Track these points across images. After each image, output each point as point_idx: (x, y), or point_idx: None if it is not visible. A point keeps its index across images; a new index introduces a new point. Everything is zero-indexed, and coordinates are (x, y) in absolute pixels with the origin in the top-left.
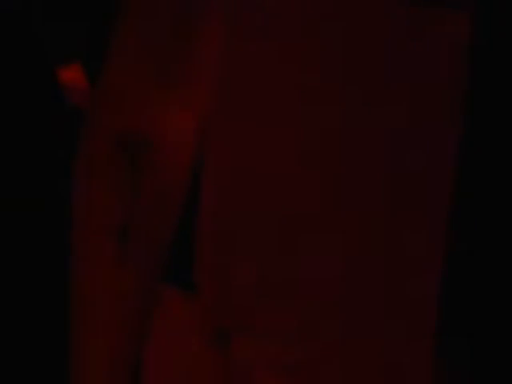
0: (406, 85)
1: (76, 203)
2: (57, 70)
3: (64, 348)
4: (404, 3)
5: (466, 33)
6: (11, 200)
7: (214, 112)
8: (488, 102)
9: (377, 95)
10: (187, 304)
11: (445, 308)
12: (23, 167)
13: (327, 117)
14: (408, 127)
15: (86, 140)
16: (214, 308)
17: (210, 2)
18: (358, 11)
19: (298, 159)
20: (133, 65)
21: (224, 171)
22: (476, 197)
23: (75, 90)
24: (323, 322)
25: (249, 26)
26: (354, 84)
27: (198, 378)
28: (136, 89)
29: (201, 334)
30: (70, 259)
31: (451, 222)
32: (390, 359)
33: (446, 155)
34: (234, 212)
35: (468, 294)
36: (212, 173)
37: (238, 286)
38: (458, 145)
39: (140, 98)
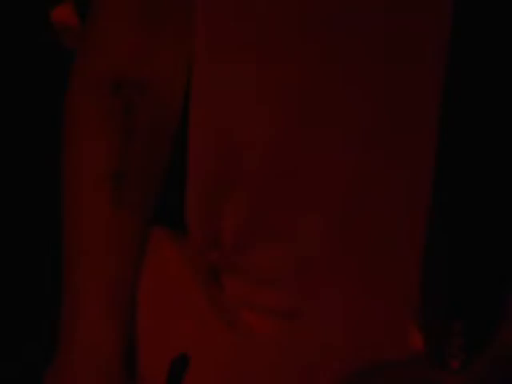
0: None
1: (67, 152)
2: (49, 10)
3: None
4: None
5: None
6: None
7: (201, 50)
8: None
9: None
10: (178, 244)
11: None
12: (17, 110)
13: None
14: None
15: (76, 85)
16: (205, 248)
17: None
18: None
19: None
20: (122, 6)
21: (210, 111)
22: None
23: (67, 30)
24: (316, 265)
25: None
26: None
27: (190, 313)
28: (125, 31)
29: (192, 274)
30: (61, 210)
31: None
32: (390, 295)
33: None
34: (221, 151)
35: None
36: (198, 113)
37: (228, 226)
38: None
39: (130, 40)
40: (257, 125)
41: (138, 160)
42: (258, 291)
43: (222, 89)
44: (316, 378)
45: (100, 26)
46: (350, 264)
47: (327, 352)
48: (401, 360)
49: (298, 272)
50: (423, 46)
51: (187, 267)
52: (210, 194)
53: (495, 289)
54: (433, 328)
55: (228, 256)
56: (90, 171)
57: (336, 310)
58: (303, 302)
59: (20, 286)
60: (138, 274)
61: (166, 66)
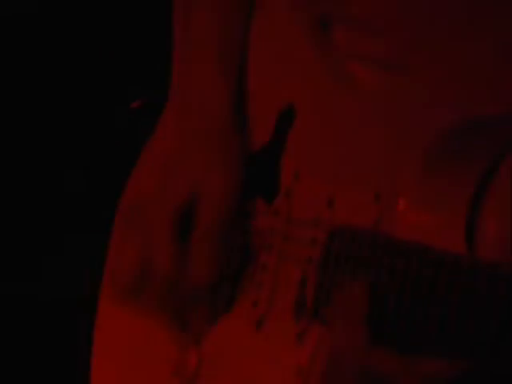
0: None
1: None
2: None
3: None
4: None
5: None
6: None
7: None
8: None
9: None
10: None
11: None
12: None
13: None
14: None
15: None
16: None
17: None
18: None
19: None
20: None
21: None
22: None
23: None
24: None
25: None
26: None
27: (299, 66)
28: None
29: (301, 27)
30: None
31: None
32: None
33: None
34: None
35: None
36: None
37: None
38: None
39: None
40: None
41: None
42: (367, 41)
43: None
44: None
45: None
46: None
47: (431, 106)
48: (505, 118)
49: (405, 23)
50: None
51: (296, 22)
52: None
53: None
54: None
55: (338, 4)
56: None
57: (443, 66)
58: (411, 54)
59: None
60: (247, 32)
61: None
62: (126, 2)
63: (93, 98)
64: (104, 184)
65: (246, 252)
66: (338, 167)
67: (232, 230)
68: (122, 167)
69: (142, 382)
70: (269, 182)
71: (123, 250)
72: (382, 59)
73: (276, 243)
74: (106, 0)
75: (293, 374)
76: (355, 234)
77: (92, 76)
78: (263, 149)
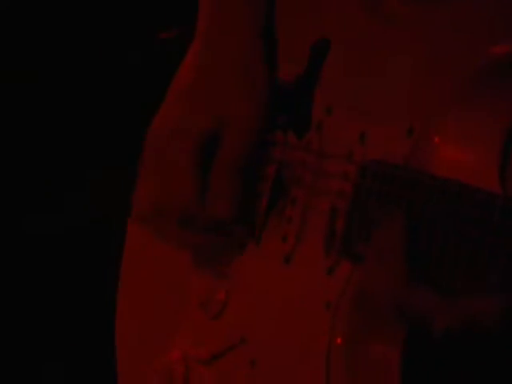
0: None
1: None
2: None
3: None
4: None
5: None
6: None
7: None
8: None
9: None
10: None
11: None
12: None
13: None
14: None
15: None
16: None
17: None
18: None
19: None
20: None
21: None
22: None
23: None
24: None
25: None
26: None
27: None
28: None
29: None
30: None
31: None
32: None
33: None
34: None
35: None
36: None
37: None
38: None
39: None
40: None
41: None
42: None
43: None
44: None
45: None
46: None
47: (469, 41)
48: None
49: None
50: None
51: None
52: None
53: None
54: None
55: None
56: None
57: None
58: None
59: None
60: None
61: None
62: None
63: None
64: (136, 114)
65: (277, 186)
66: (370, 101)
67: (260, 164)
68: (151, 100)
69: (167, 310)
70: (300, 115)
71: (147, 177)
72: None
73: (307, 177)
74: None
75: (321, 308)
76: (388, 168)
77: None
78: (296, 81)
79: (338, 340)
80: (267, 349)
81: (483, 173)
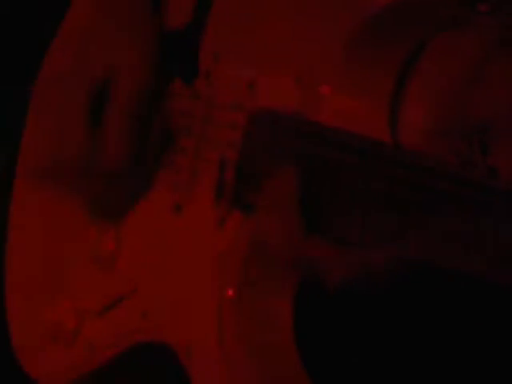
0: None
1: None
2: None
3: None
4: None
5: None
6: None
7: None
8: None
9: None
10: None
11: None
12: None
13: None
14: None
15: None
16: None
17: None
18: None
19: None
20: None
21: None
22: None
23: None
24: None
25: None
26: None
27: None
28: None
29: None
30: None
31: None
32: None
33: None
34: None
35: None
36: None
37: None
38: None
39: None
40: None
41: None
42: None
43: None
44: None
45: None
46: None
47: None
48: None
49: None
50: None
51: None
52: None
53: None
54: None
55: None
56: None
57: None
58: None
59: None
60: None
61: None
62: None
63: None
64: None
65: (166, 135)
66: (258, 51)
67: (149, 112)
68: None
69: (60, 261)
70: (187, 62)
71: (37, 130)
72: None
73: (196, 127)
74: None
75: (212, 259)
76: (276, 118)
77: None
78: (182, 29)
79: (229, 292)
80: (157, 300)
81: (373, 122)
